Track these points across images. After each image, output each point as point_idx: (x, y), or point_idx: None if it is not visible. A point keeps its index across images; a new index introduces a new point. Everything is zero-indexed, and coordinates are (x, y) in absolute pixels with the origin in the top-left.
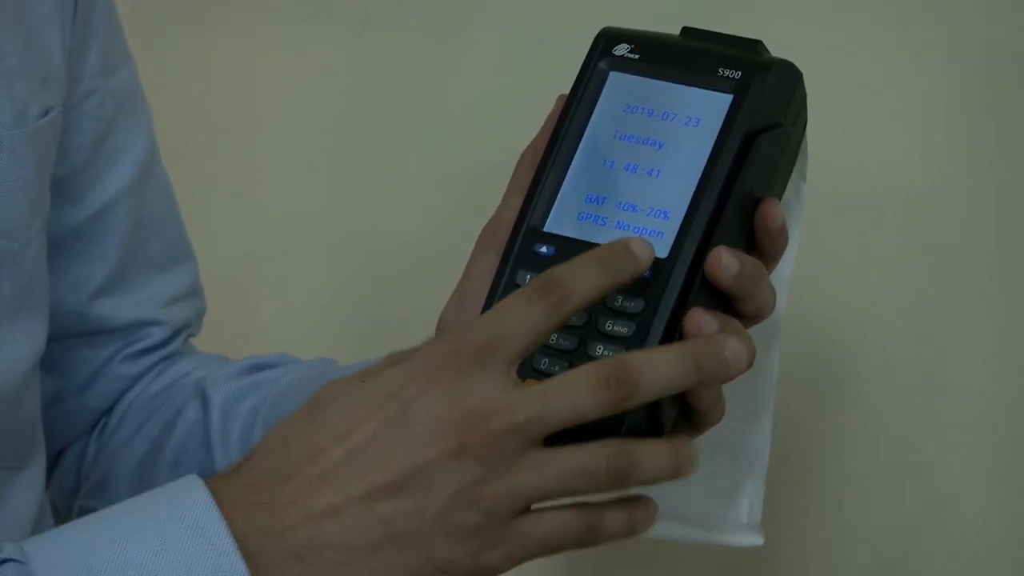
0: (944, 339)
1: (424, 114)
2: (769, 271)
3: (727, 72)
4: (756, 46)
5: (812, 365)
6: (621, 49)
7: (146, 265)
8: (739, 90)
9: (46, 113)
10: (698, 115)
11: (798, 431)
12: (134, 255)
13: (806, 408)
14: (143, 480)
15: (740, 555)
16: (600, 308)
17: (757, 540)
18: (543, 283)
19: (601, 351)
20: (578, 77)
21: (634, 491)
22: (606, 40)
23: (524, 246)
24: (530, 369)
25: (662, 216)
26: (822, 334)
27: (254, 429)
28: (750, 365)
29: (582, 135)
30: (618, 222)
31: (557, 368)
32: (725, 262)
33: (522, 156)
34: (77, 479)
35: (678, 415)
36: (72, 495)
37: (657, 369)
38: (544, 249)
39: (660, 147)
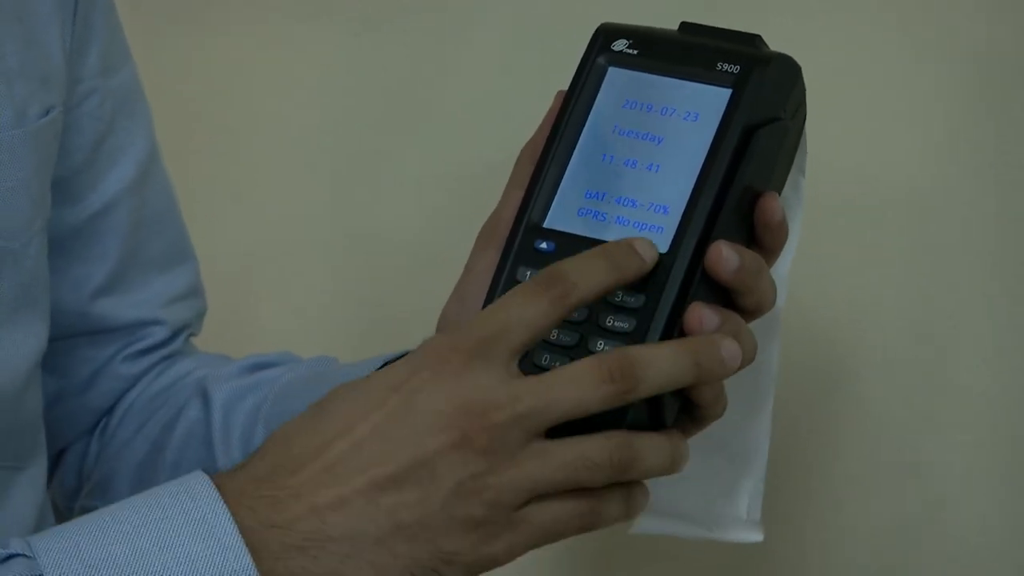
0: (944, 339)
1: (424, 114)
2: (769, 265)
3: (726, 66)
4: (755, 40)
5: (812, 365)
6: (620, 44)
7: (147, 265)
8: (738, 84)
9: (46, 113)
10: (697, 110)
11: (798, 431)
12: (135, 255)
13: (806, 408)
14: (144, 480)
15: (740, 554)
16: (601, 303)
17: (757, 537)
18: (546, 277)
19: (602, 346)
20: (577, 73)
21: None
22: (604, 36)
23: (524, 242)
24: (531, 364)
25: (662, 211)
26: (822, 334)
27: (255, 428)
28: (750, 361)
29: (581, 131)
30: (618, 217)
31: (558, 364)
32: (725, 256)
33: (522, 152)
34: (78, 479)
35: (680, 410)
36: (74, 495)
37: (659, 364)
38: (544, 245)
39: (659, 142)
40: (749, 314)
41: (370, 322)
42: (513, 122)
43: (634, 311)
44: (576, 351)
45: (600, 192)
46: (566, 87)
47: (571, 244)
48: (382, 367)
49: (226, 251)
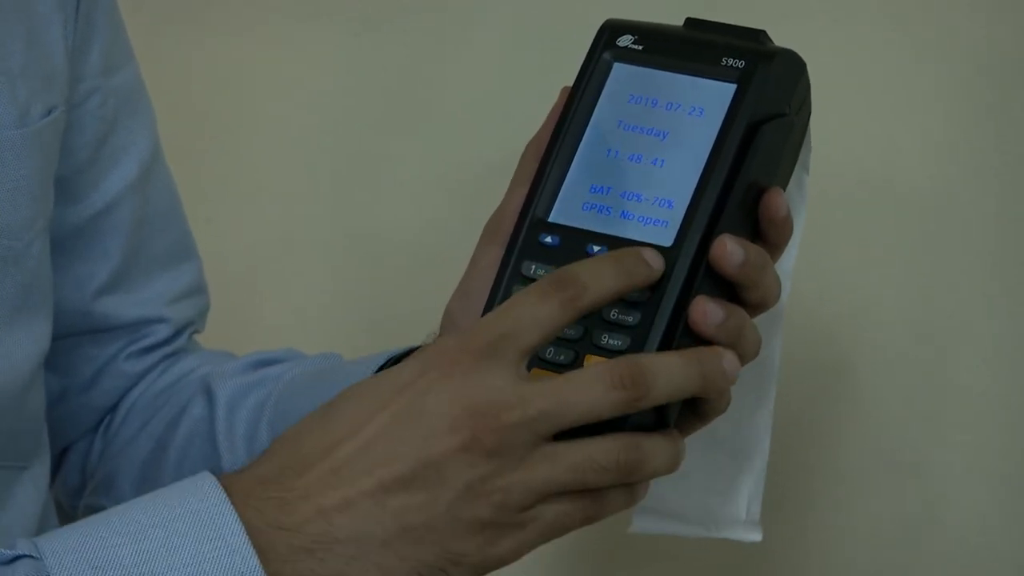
0: (944, 339)
1: (424, 114)
2: (773, 261)
3: (731, 62)
4: (759, 36)
5: (812, 365)
6: (625, 40)
7: (150, 263)
8: (743, 80)
9: (49, 112)
10: (702, 105)
11: (797, 431)
12: (137, 253)
13: (806, 408)
14: (148, 477)
15: (740, 554)
16: None
17: (756, 536)
18: (557, 279)
19: (606, 340)
20: (582, 68)
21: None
22: (610, 31)
23: (529, 237)
24: (535, 358)
25: (666, 205)
26: (822, 334)
27: (259, 425)
28: (755, 356)
29: (586, 126)
30: (623, 212)
31: (562, 357)
32: (730, 250)
33: (527, 148)
34: (82, 477)
35: (684, 406)
36: (77, 493)
37: (668, 373)
38: (549, 239)
39: (664, 137)
40: (753, 308)
41: (370, 322)
42: (513, 122)
43: (639, 305)
44: (580, 344)
45: (605, 186)
46: (567, 86)
47: (576, 238)
48: (386, 363)
49: (226, 251)
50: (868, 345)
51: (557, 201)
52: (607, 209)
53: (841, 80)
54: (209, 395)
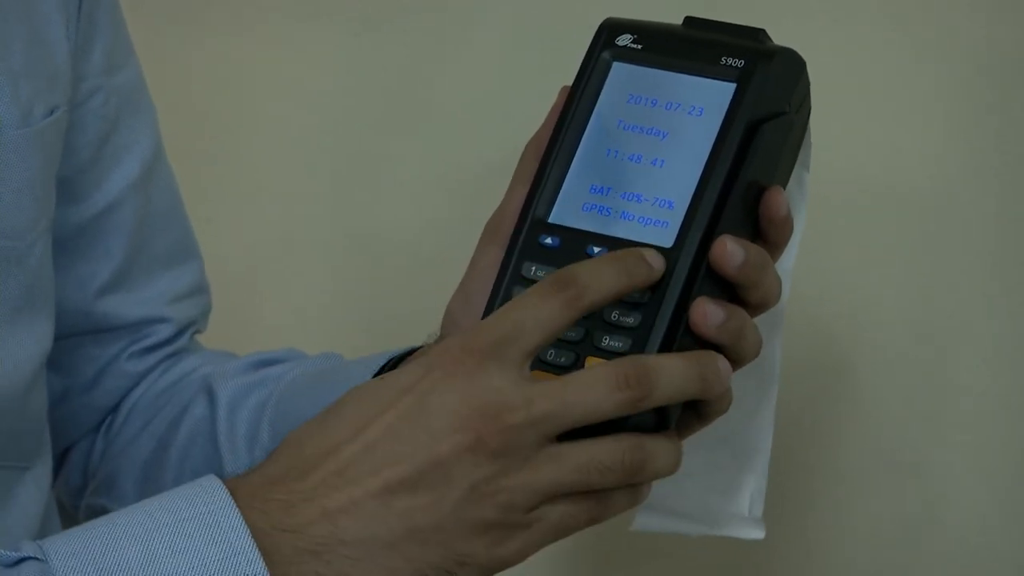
0: (944, 339)
1: (424, 114)
2: (774, 260)
3: (730, 61)
4: (759, 35)
5: (812, 365)
6: (624, 39)
7: (152, 262)
8: (742, 79)
9: (51, 112)
10: (702, 104)
11: (797, 431)
12: (140, 252)
13: (806, 408)
14: (150, 477)
15: (739, 553)
16: None
17: (758, 534)
18: (558, 279)
19: (608, 342)
20: (581, 68)
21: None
22: (609, 30)
23: (529, 238)
24: (537, 360)
25: (667, 206)
26: (822, 334)
27: (261, 425)
28: (755, 356)
29: (586, 126)
30: (623, 212)
31: (563, 359)
32: (730, 250)
33: (526, 148)
34: (84, 477)
35: (686, 406)
36: (79, 493)
37: (671, 373)
38: (549, 240)
39: (664, 137)
40: (754, 308)
41: (370, 322)
42: (513, 122)
43: (640, 306)
44: (582, 346)
45: (605, 187)
46: (567, 86)
47: (576, 239)
48: (387, 363)
49: (226, 251)
50: (868, 345)
51: (557, 202)
52: (607, 210)
53: (841, 80)
54: (210, 395)
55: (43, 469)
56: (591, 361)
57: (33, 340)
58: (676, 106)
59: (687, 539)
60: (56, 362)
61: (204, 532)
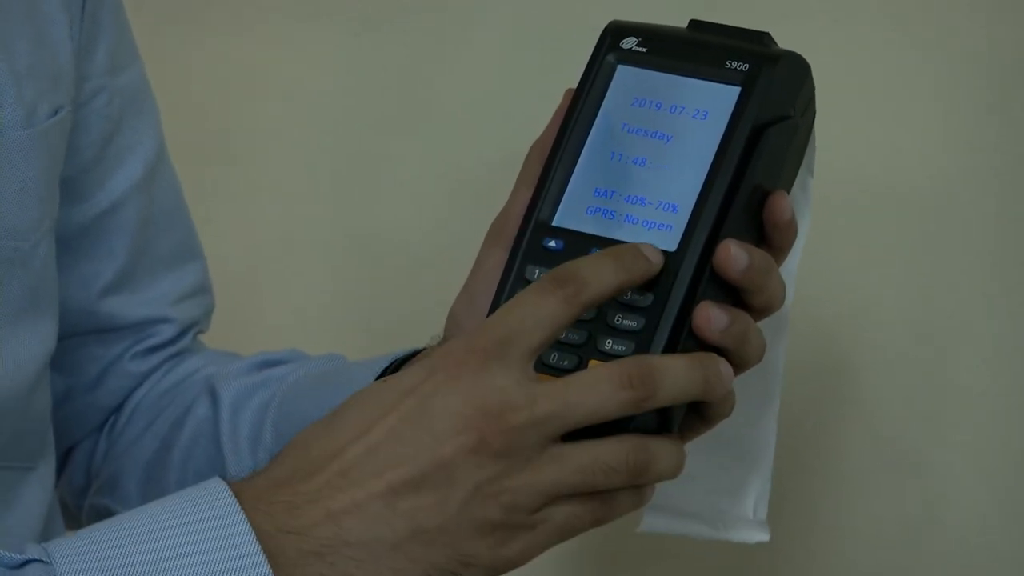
0: (944, 339)
1: (424, 114)
2: (778, 264)
3: (735, 64)
4: (764, 38)
5: (812, 365)
6: (629, 42)
7: (155, 263)
8: (747, 82)
9: (55, 112)
10: (706, 108)
11: (797, 431)
12: (143, 253)
13: (805, 408)
14: (153, 477)
15: (742, 554)
16: (609, 302)
17: (763, 536)
18: (557, 275)
19: (611, 345)
20: (586, 71)
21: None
22: (613, 34)
23: (533, 240)
24: (540, 363)
25: (671, 209)
26: (822, 334)
27: (263, 426)
28: (759, 360)
29: (590, 129)
30: (627, 216)
31: (567, 363)
32: (734, 255)
33: (531, 150)
34: (87, 477)
35: (689, 409)
36: (82, 493)
37: (675, 374)
38: (553, 243)
39: (668, 140)
40: (758, 313)
41: (370, 322)
42: (513, 122)
43: (643, 310)
44: (585, 349)
45: (609, 190)
46: (566, 87)
47: (580, 242)
48: (390, 365)
49: (226, 251)
50: (868, 345)
51: (561, 205)
52: (611, 213)
53: (841, 80)
54: (213, 396)
55: (47, 469)
56: (594, 364)
57: (37, 340)
58: (680, 109)
59: (692, 540)
60: (59, 362)
61: (209, 535)
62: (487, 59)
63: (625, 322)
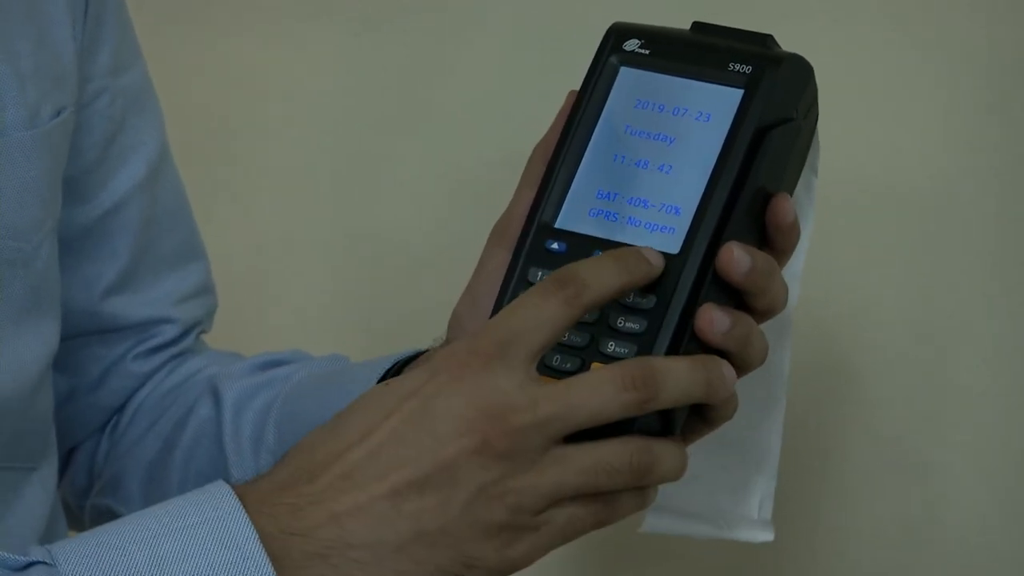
0: (944, 339)
1: (424, 114)
2: (781, 266)
3: (738, 67)
4: (767, 40)
5: (812, 365)
6: (631, 44)
7: (158, 263)
8: (750, 85)
9: (58, 113)
10: (709, 110)
11: (797, 431)
12: (146, 253)
13: (805, 408)
14: (155, 478)
15: (745, 554)
16: (612, 305)
17: (768, 536)
18: (558, 277)
19: (613, 347)
20: (588, 72)
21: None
22: (616, 35)
23: (535, 242)
24: (543, 366)
25: (673, 212)
26: (822, 334)
27: (266, 426)
28: (762, 362)
29: (593, 131)
30: (630, 218)
31: (569, 365)
32: (737, 258)
33: (534, 150)
34: (89, 477)
35: (692, 411)
36: (84, 493)
37: (677, 376)
38: (556, 245)
39: (671, 142)
40: (761, 315)
41: (370, 322)
42: (513, 122)
43: (645, 312)
44: (587, 352)
45: (612, 192)
46: (566, 87)
47: (582, 244)
48: (393, 366)
49: (226, 251)
50: (868, 345)
51: (564, 206)
52: (614, 215)
53: (841, 80)
54: (216, 396)
55: (49, 470)
56: (596, 367)
57: (39, 341)
58: (683, 111)
59: (696, 540)
60: (62, 362)
61: (213, 537)
62: (487, 59)
63: (627, 324)
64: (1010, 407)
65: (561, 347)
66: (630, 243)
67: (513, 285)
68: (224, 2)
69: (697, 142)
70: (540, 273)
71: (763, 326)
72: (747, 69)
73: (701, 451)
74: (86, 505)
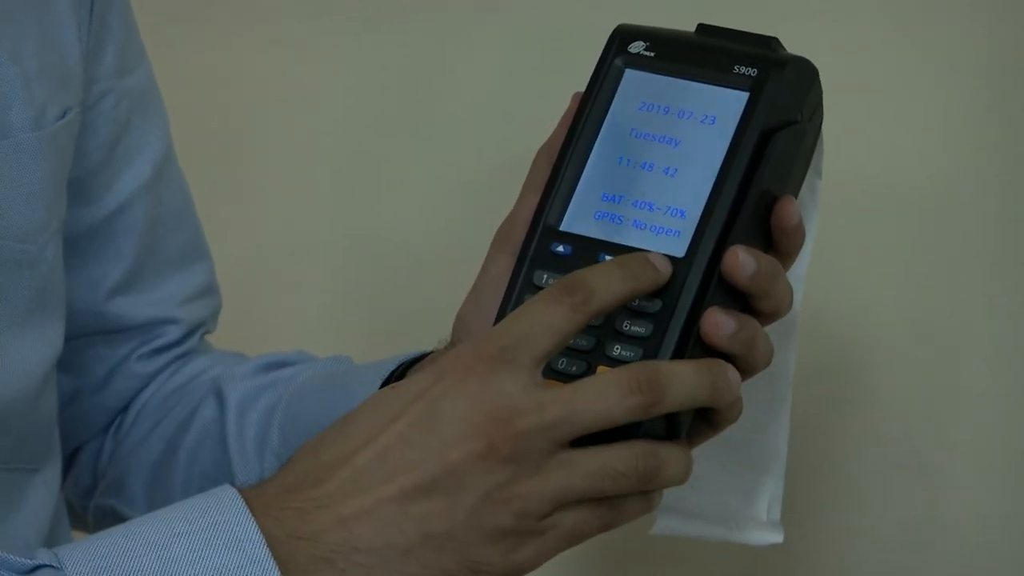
0: (944, 339)
1: (424, 114)
2: (786, 269)
3: (743, 69)
4: (772, 43)
5: (812, 365)
6: (636, 46)
7: (162, 263)
8: (755, 87)
9: (64, 115)
10: (714, 113)
11: (798, 432)
12: (150, 254)
13: (805, 409)
14: (159, 479)
15: (747, 555)
16: (618, 308)
17: (777, 538)
18: (565, 284)
19: (619, 351)
20: (593, 75)
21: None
22: (621, 37)
23: (540, 245)
24: (548, 369)
25: (679, 215)
26: (822, 334)
27: (270, 428)
28: (767, 365)
29: (598, 133)
30: (635, 221)
31: (575, 368)
32: (742, 261)
33: (538, 154)
34: (93, 478)
35: (697, 415)
36: (88, 494)
37: (682, 379)
38: (561, 248)
39: (676, 145)
40: (766, 318)
41: (370, 322)
42: (513, 122)
43: (651, 316)
44: (593, 355)
45: (617, 195)
46: (566, 88)
47: (588, 247)
48: (397, 368)
49: (226, 252)
50: (869, 346)
51: (569, 209)
52: (619, 218)
53: (841, 80)
54: (220, 397)
55: (53, 471)
56: (602, 370)
57: (44, 343)
58: (689, 114)
59: (703, 543)
60: (66, 362)
61: (220, 541)
62: (487, 59)
63: (633, 328)
64: (1010, 407)
65: (567, 351)
66: (635, 246)
67: (518, 288)
68: (224, 2)
69: (702, 145)
70: (545, 276)
71: (768, 328)
72: (752, 72)
73: (711, 453)
74: (90, 505)
